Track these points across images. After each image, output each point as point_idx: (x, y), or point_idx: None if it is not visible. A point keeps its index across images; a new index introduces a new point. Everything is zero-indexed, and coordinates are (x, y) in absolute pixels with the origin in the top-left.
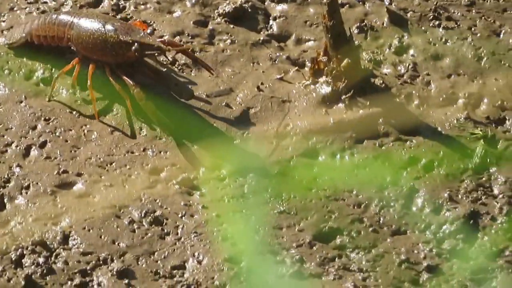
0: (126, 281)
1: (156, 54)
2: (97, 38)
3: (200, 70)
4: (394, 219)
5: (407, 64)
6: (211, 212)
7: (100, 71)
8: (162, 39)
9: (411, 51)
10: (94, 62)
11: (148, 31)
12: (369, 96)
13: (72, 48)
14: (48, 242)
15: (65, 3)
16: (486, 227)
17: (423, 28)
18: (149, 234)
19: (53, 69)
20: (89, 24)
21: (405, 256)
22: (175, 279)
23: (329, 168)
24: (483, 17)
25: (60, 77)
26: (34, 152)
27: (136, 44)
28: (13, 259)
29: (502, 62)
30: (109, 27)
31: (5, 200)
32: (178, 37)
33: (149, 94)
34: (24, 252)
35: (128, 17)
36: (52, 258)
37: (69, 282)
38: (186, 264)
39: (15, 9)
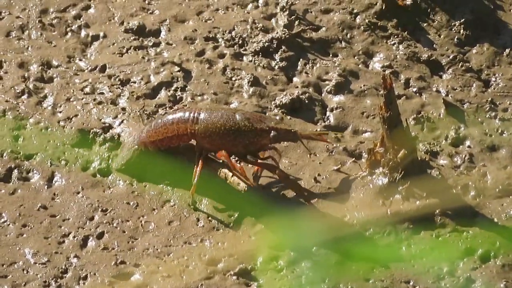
0: None
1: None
2: (229, 129)
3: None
4: None
5: (464, 155)
6: None
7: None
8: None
9: (468, 142)
10: (203, 160)
11: (277, 117)
12: (426, 187)
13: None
14: None
15: (121, 94)
16: None
17: (479, 119)
18: None
19: (110, 160)
20: (216, 116)
21: None
22: None
23: (387, 258)
24: None
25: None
26: (91, 243)
27: (273, 131)
28: None
29: None
30: (240, 117)
31: None
32: None
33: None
34: None
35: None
36: None
37: None
38: None
39: (71, 99)
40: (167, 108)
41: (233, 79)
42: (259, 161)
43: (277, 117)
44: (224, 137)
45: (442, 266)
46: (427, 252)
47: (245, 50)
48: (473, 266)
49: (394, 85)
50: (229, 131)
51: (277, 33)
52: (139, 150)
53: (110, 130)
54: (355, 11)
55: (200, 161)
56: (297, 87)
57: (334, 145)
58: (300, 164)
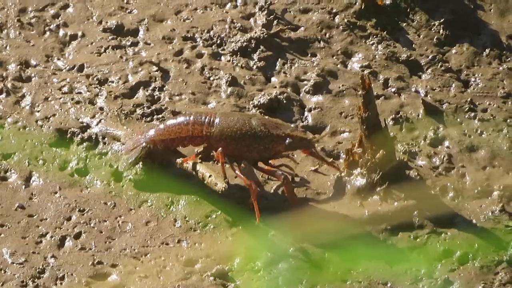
0: None
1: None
2: (245, 134)
3: None
4: None
5: (442, 156)
6: None
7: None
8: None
9: (446, 143)
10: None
11: (292, 125)
12: (404, 188)
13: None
14: None
15: (99, 94)
16: None
17: (458, 119)
18: None
19: (88, 160)
20: (233, 120)
21: None
22: None
23: (364, 260)
24: None
25: (96, 168)
26: (68, 243)
27: (288, 137)
28: None
29: None
30: (256, 122)
31: None
32: None
33: None
34: None
35: (163, 107)
36: None
37: None
38: None
39: (49, 99)
40: (145, 108)
41: (211, 79)
42: (266, 168)
43: (293, 125)
44: (239, 142)
45: (420, 268)
46: (405, 253)
47: (223, 49)
48: (451, 267)
49: (372, 85)
50: (244, 135)
51: (255, 32)
52: (147, 148)
53: (88, 130)
54: (334, 10)
55: (237, 169)
56: (275, 87)
57: None
58: (278, 164)
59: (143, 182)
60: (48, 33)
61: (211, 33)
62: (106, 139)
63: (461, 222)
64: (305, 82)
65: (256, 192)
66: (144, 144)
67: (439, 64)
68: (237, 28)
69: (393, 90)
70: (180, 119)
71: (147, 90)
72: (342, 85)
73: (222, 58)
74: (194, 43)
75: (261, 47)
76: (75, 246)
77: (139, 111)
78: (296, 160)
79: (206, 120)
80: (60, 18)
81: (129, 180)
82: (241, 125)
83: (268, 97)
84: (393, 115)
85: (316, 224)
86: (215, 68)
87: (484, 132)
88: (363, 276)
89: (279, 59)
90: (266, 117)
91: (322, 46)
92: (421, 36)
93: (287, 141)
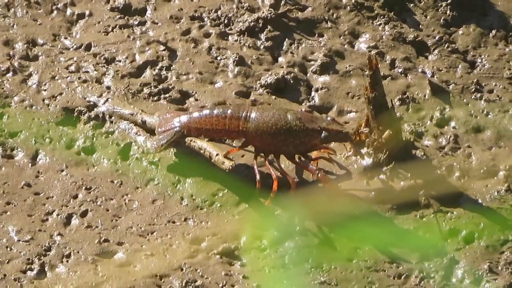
0: None
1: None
2: (280, 128)
3: None
4: None
5: (449, 136)
6: (252, 282)
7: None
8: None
9: (453, 123)
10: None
11: (329, 118)
12: (410, 167)
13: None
14: None
15: (106, 73)
16: None
17: (464, 100)
18: None
19: (94, 138)
20: (268, 115)
21: None
22: None
23: (370, 239)
24: None
25: (102, 146)
26: (75, 221)
27: (324, 131)
28: None
29: None
30: (291, 116)
31: (46, 268)
32: None
33: None
34: None
35: (170, 87)
36: None
37: None
38: None
39: (56, 78)
40: (152, 87)
41: (219, 58)
42: (301, 163)
43: (329, 118)
44: (275, 137)
45: (426, 247)
46: (411, 232)
47: (231, 29)
48: (457, 247)
49: (379, 65)
50: (280, 130)
51: (263, 12)
52: (180, 133)
53: (95, 109)
54: None
55: (266, 162)
56: (283, 67)
57: None
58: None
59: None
60: (55, 12)
61: (219, 12)
62: (113, 118)
63: (467, 201)
64: (312, 62)
65: (294, 187)
66: (178, 128)
67: (446, 45)
68: (244, 8)
69: (400, 70)
70: (218, 110)
71: (154, 70)
72: (349, 66)
73: (230, 38)
74: (201, 23)
75: (269, 27)
76: (81, 224)
77: (146, 90)
78: (334, 151)
79: (243, 115)
80: None
81: (136, 158)
82: (276, 120)
83: (275, 77)
84: (400, 96)
85: (322, 203)
86: (223, 47)
87: (490, 113)
88: (369, 255)
89: (286, 39)
90: (303, 110)
91: (329, 26)
92: (428, 17)
93: (323, 134)
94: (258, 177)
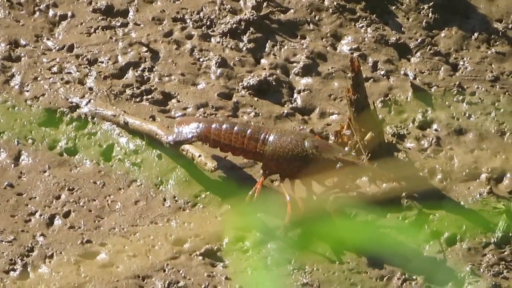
0: None
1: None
2: (296, 155)
3: None
4: None
5: (431, 139)
6: (235, 284)
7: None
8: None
9: (435, 126)
10: (264, 178)
11: (346, 149)
12: (393, 170)
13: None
14: None
15: (89, 74)
16: None
17: (447, 102)
18: None
19: (77, 139)
20: (286, 140)
21: None
22: None
23: (352, 240)
24: (506, 93)
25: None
26: (58, 222)
27: (339, 162)
28: None
29: None
30: (309, 144)
31: (29, 269)
32: (202, 109)
33: None
34: None
35: (152, 88)
36: None
37: None
38: None
39: (38, 79)
40: (134, 89)
41: (201, 60)
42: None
43: (346, 149)
44: (291, 162)
45: (408, 249)
46: (393, 234)
47: (213, 31)
48: (439, 249)
49: (362, 67)
50: (296, 157)
51: (245, 14)
52: (197, 138)
53: (77, 110)
54: None
55: (263, 178)
56: (265, 68)
57: (301, 127)
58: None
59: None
60: (37, 13)
61: (201, 14)
62: (95, 119)
63: (449, 203)
64: (295, 64)
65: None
66: (196, 134)
67: (428, 48)
68: (226, 10)
69: (382, 72)
70: (238, 128)
71: (136, 71)
72: (332, 68)
73: (212, 39)
74: (183, 24)
75: (251, 29)
76: (64, 224)
77: (128, 91)
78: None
79: (261, 137)
80: None
81: (119, 159)
82: (293, 146)
83: (258, 79)
84: (382, 98)
85: (304, 205)
86: (205, 49)
87: (472, 115)
88: (352, 257)
89: (269, 41)
90: (320, 138)
91: (311, 28)
92: (410, 19)
93: (338, 165)
94: (288, 198)
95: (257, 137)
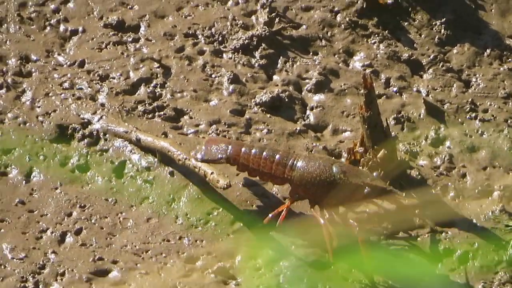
0: None
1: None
2: (324, 180)
3: None
4: None
5: (443, 156)
6: None
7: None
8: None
9: (447, 143)
10: (291, 203)
11: (375, 174)
12: (405, 187)
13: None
14: None
15: (100, 90)
16: None
17: (459, 120)
18: None
19: (89, 156)
20: (313, 166)
21: None
22: None
23: (365, 259)
24: None
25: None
26: (69, 239)
27: (367, 187)
28: None
29: None
30: (337, 169)
31: (40, 287)
32: (214, 125)
33: None
34: None
35: (165, 104)
36: None
37: None
38: None
39: (50, 94)
40: (146, 105)
41: (213, 76)
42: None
43: (375, 174)
44: (319, 188)
45: (420, 267)
46: (406, 252)
47: (225, 47)
48: (451, 267)
49: (374, 84)
50: (323, 182)
51: (257, 30)
52: (226, 160)
53: (89, 126)
54: (335, 9)
55: (289, 202)
56: (277, 85)
57: (314, 144)
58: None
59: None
60: (48, 28)
61: (213, 30)
62: (107, 135)
63: (462, 221)
64: (307, 80)
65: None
66: (225, 155)
67: (441, 64)
68: (238, 26)
69: (394, 89)
70: (267, 153)
71: (148, 87)
72: (344, 84)
73: (224, 55)
74: (195, 40)
75: (263, 44)
76: (75, 242)
77: (140, 107)
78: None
79: (289, 162)
80: (60, 13)
81: (131, 176)
82: (321, 172)
83: (270, 95)
84: (395, 115)
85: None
86: (217, 65)
87: (485, 133)
88: (365, 276)
89: (281, 57)
90: (348, 164)
91: (324, 44)
92: (422, 36)
93: (366, 190)
94: (322, 221)
95: (286, 162)
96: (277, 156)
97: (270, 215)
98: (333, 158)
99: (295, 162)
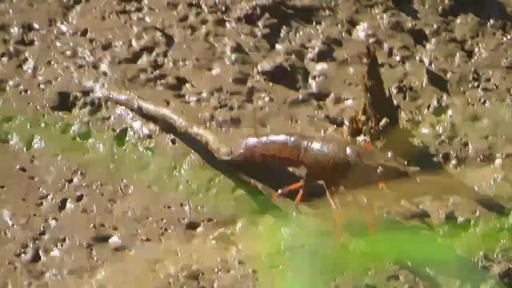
0: None
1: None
2: (337, 163)
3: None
4: (430, 277)
5: (446, 125)
6: (248, 268)
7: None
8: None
9: (450, 112)
10: (304, 187)
11: (389, 154)
12: (408, 156)
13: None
14: None
15: (103, 59)
16: None
17: (462, 89)
18: None
19: (90, 124)
20: (327, 148)
21: None
22: None
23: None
24: None
25: (98, 131)
26: (70, 205)
27: (381, 168)
28: None
29: None
30: (351, 150)
31: (41, 252)
32: (216, 93)
33: None
34: None
35: (167, 73)
36: None
37: None
38: None
39: (52, 63)
40: (149, 73)
41: (216, 45)
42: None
43: (389, 154)
44: (334, 171)
45: (422, 234)
46: (407, 219)
47: (228, 16)
48: (453, 234)
49: (377, 53)
50: (337, 164)
51: (260, 0)
52: (243, 156)
53: (91, 94)
54: None
55: (305, 183)
56: (280, 54)
57: (316, 112)
58: (281, 131)
59: None
60: None
61: None
62: (109, 103)
63: (464, 189)
64: (310, 49)
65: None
66: (242, 151)
67: (444, 34)
68: None
69: (397, 59)
70: (282, 138)
71: (151, 56)
72: (347, 53)
73: (227, 24)
74: (198, 10)
75: (266, 14)
76: (76, 208)
77: (142, 76)
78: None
79: (303, 145)
80: None
81: (132, 144)
82: (335, 153)
83: (273, 65)
84: (397, 84)
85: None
86: (220, 34)
87: (487, 102)
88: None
89: (284, 27)
90: (363, 145)
91: (327, 14)
92: (426, 6)
93: (379, 171)
94: (334, 207)
95: (299, 146)
96: (292, 140)
97: (279, 191)
98: (348, 139)
99: (309, 144)
